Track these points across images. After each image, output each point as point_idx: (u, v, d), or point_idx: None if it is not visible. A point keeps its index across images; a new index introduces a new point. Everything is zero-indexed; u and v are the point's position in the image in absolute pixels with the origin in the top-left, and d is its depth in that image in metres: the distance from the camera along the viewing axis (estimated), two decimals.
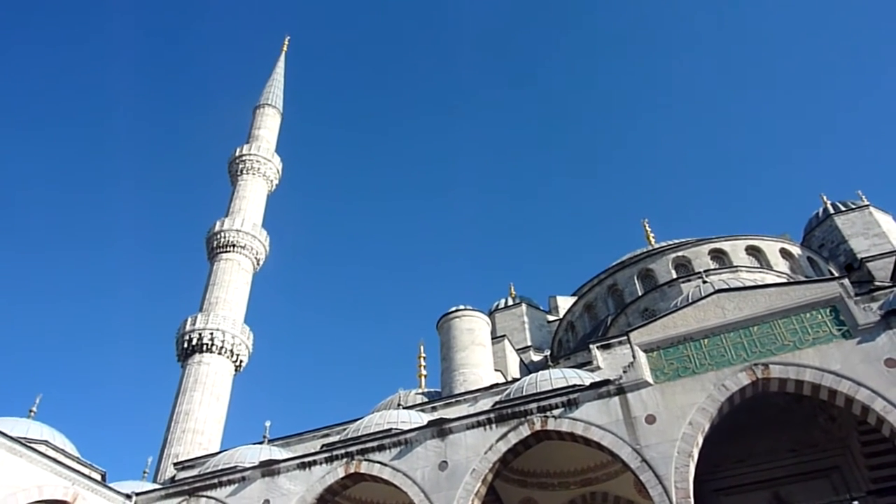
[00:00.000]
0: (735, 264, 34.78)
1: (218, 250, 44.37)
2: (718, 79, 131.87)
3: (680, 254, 36.94)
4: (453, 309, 34.69)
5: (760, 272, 33.36)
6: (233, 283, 42.65)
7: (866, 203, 42.20)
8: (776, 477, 20.17)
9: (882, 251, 37.83)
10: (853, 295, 18.11)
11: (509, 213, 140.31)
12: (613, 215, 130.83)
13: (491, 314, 46.33)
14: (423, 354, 39.75)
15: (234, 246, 44.20)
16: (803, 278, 32.84)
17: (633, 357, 18.95)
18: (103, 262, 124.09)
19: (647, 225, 52.47)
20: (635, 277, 37.71)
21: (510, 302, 49.83)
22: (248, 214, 47.07)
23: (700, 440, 17.07)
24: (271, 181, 51.80)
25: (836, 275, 29.27)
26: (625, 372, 18.74)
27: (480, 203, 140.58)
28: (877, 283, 30.28)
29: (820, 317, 17.80)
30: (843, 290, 18.06)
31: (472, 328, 33.77)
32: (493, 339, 36.98)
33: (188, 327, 39.30)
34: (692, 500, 16.19)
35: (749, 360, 17.61)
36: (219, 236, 44.65)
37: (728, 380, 17.50)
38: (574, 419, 18.29)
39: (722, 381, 17.53)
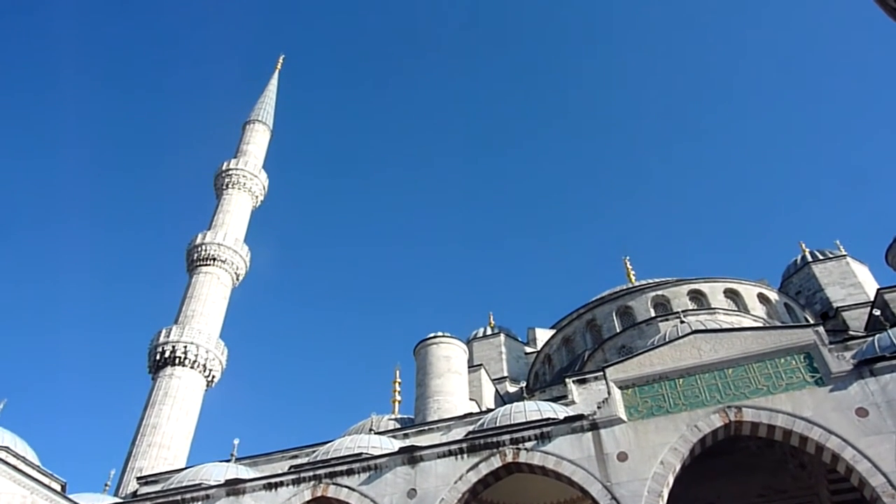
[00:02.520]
0: (713, 306, 35.09)
1: (198, 263, 43.93)
2: (705, 121, 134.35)
3: (659, 293, 37.21)
4: (431, 335, 34.52)
5: (738, 315, 33.66)
6: (210, 296, 42.17)
7: (844, 253, 42.91)
8: None
9: (857, 301, 38.37)
10: (827, 343, 18.31)
11: (493, 243, 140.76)
12: (596, 251, 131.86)
13: (469, 343, 46.18)
14: (399, 380, 39.44)
15: (214, 259, 43.79)
16: (779, 324, 33.17)
17: (609, 393, 18.94)
18: (78, 270, 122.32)
19: (628, 262, 52.93)
20: (614, 314, 37.89)
21: (489, 331, 49.76)
22: (230, 229, 46.75)
23: (671, 480, 17.03)
24: (256, 197, 51.62)
25: (812, 322, 29.59)
26: (599, 408, 18.71)
27: (466, 231, 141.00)
28: (851, 333, 30.65)
29: (794, 363, 17.96)
30: (818, 338, 18.25)
31: (449, 355, 33.59)
32: (469, 367, 36.79)
33: (161, 339, 38.69)
34: None
35: (722, 403, 17.67)
36: (199, 249, 44.25)
37: (701, 421, 17.54)
38: (546, 453, 18.18)
39: (695, 421, 17.56)
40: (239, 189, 50.14)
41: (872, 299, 35.96)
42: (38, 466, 22.66)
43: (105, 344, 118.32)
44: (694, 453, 17.52)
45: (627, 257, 53.36)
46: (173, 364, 37.72)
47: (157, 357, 38.19)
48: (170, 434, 34.72)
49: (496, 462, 18.53)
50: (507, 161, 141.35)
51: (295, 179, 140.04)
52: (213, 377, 39.52)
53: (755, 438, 18.38)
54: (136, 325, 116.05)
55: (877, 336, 19.78)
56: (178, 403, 36.27)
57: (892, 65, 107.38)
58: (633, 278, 49.43)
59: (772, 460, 20.71)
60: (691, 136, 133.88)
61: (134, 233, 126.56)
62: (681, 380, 18.54)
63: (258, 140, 55.94)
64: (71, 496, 22.01)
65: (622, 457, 17.43)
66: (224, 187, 50.17)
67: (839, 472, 16.79)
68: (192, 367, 37.92)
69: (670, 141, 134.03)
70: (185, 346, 38.14)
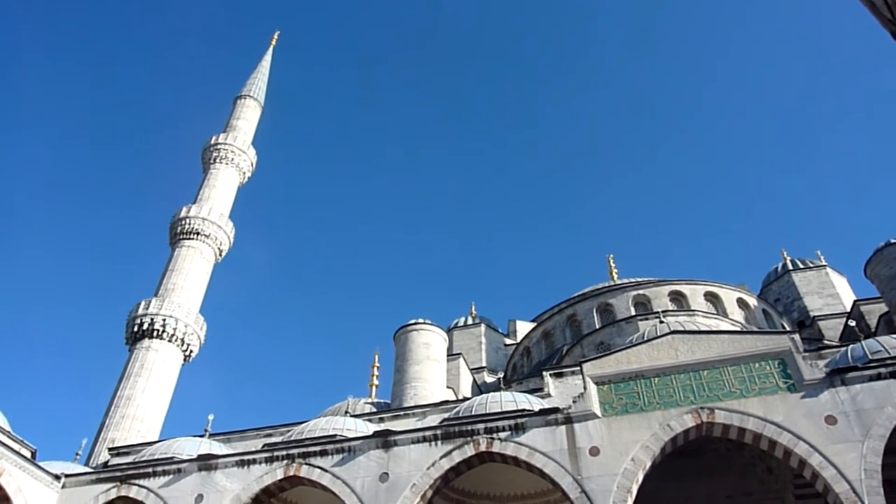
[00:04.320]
0: (693, 308, 35.43)
1: (181, 236, 43.56)
2: (693, 123, 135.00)
3: (640, 292, 37.50)
4: (412, 322, 34.57)
5: (716, 318, 34.01)
6: (192, 270, 41.87)
7: (824, 263, 43.47)
8: None
9: (834, 311, 38.93)
10: (802, 350, 18.58)
11: (479, 235, 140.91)
12: (580, 248, 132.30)
13: (449, 331, 46.27)
14: (378, 364, 39.48)
15: (197, 234, 43.44)
16: (756, 329, 33.58)
17: (585, 388, 19.11)
18: (60, 238, 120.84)
19: (611, 260, 53.25)
20: (595, 310, 38.15)
21: (470, 321, 49.93)
22: (216, 203, 46.36)
23: (640, 477, 17.25)
24: (244, 173, 51.20)
25: (789, 329, 29.99)
26: (574, 402, 18.88)
27: (452, 222, 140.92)
28: (826, 342, 31.13)
29: (768, 368, 18.21)
30: (793, 345, 18.51)
31: (429, 343, 33.68)
32: (448, 356, 36.91)
33: (140, 311, 38.39)
34: None
35: (696, 403, 17.91)
36: (183, 222, 43.86)
37: (674, 420, 17.76)
38: (519, 443, 18.34)
39: (668, 420, 17.78)
40: (226, 164, 49.69)
41: (849, 310, 36.51)
42: (8, 432, 22.47)
43: (82, 314, 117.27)
44: (665, 452, 17.75)
45: (611, 255, 53.72)
46: (151, 337, 37.47)
47: (135, 329, 37.90)
48: (144, 407, 34.53)
49: (469, 450, 18.66)
50: (496, 154, 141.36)
51: (283, 159, 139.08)
52: (191, 352, 39.31)
53: (725, 440, 18.65)
54: (116, 296, 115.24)
55: (851, 346, 20.08)
56: (154, 376, 36.06)
57: (885, 75, 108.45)
58: (615, 276, 49.77)
59: (741, 463, 21.02)
60: (679, 138, 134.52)
61: (117, 203, 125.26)
62: (656, 379, 18.74)
63: (248, 116, 55.42)
64: (41, 463, 21.86)
65: (594, 451, 17.62)
66: (211, 161, 49.70)
67: (805, 477, 17.09)
68: (169, 341, 37.69)
69: (659, 142, 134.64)
70: (164, 319, 37.88)
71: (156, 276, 42.54)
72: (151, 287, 41.72)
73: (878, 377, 17.27)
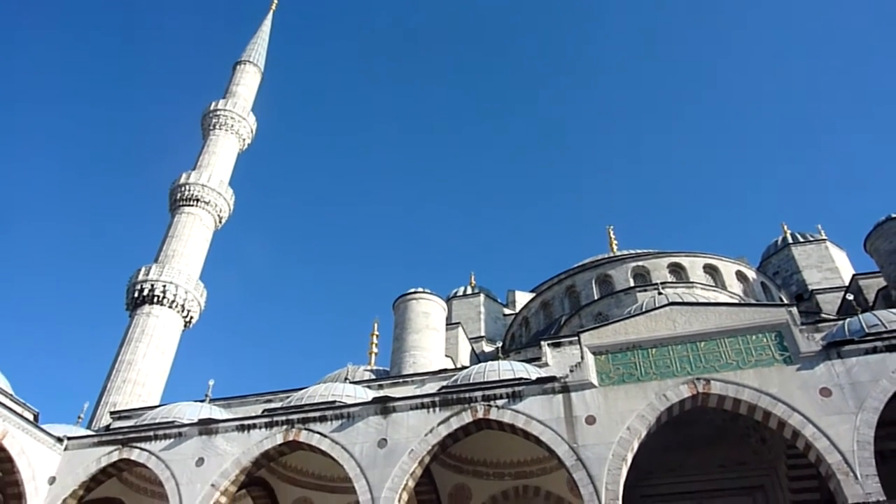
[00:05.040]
0: (692, 280, 35.51)
1: (181, 203, 43.48)
2: (698, 97, 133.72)
3: (640, 263, 37.56)
4: (411, 291, 34.70)
5: (715, 291, 34.11)
6: (192, 237, 41.88)
7: (824, 237, 43.45)
8: (703, 490, 20.76)
9: (832, 285, 39.03)
10: (799, 323, 18.66)
11: (480, 205, 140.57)
12: (580, 219, 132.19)
13: (448, 300, 46.48)
14: (377, 332, 39.76)
15: (197, 200, 43.35)
16: (754, 301, 33.70)
17: (582, 358, 19.24)
18: (61, 203, 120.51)
19: (611, 232, 53.20)
20: (593, 281, 38.25)
21: (469, 291, 50.08)
22: (215, 170, 46.17)
23: (636, 446, 17.46)
24: (244, 140, 50.88)
25: (786, 302, 30.09)
26: (571, 371, 19.03)
27: (453, 192, 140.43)
28: (823, 316, 31.28)
29: (765, 340, 18.32)
30: (791, 318, 18.59)
31: (428, 312, 33.85)
32: (447, 325, 37.14)
33: (140, 277, 38.51)
34: (620, 502, 16.58)
35: (692, 374, 18.05)
36: (183, 189, 43.74)
37: (670, 391, 17.92)
38: (516, 411, 18.53)
39: (664, 391, 17.94)
40: (226, 131, 49.36)
41: (847, 284, 36.61)
42: (10, 395, 22.68)
43: (83, 279, 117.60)
44: (661, 421, 17.94)
45: (611, 227, 53.66)
46: (151, 303, 37.64)
47: (136, 295, 38.06)
48: (145, 372, 34.84)
49: (467, 417, 18.86)
50: (499, 125, 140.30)
51: (283, 127, 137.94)
52: (192, 318, 39.54)
53: (720, 411, 18.84)
54: (116, 261, 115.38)
55: (848, 320, 20.16)
56: (155, 342, 36.32)
57: (885, 55, 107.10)
58: (615, 248, 49.79)
59: (735, 434, 21.26)
60: (683, 110, 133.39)
61: (117, 169, 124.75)
62: (653, 349, 18.86)
63: (248, 82, 54.88)
64: (44, 426, 22.11)
65: (590, 420, 17.81)
66: (211, 128, 49.36)
67: (798, 448, 17.30)
68: (170, 307, 37.88)
69: (662, 114, 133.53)
70: (164, 286, 38.02)
71: (156, 242, 42.60)
72: (151, 253, 41.81)
73: (874, 350, 17.37)
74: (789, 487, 20.33)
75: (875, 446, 16.03)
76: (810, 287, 39.74)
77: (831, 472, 15.84)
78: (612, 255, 44.56)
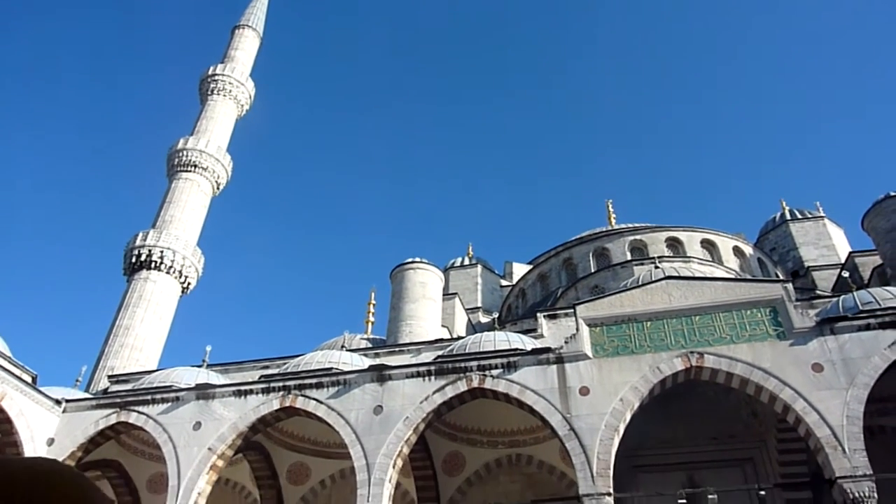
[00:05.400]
0: (689, 255, 35.57)
1: (178, 169, 43.23)
2: (697, 72, 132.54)
3: (637, 237, 37.60)
4: (409, 260, 34.75)
5: (711, 265, 34.21)
6: (189, 203, 41.74)
7: (822, 214, 43.41)
8: (694, 461, 21.07)
9: (828, 262, 39.12)
10: (794, 299, 18.77)
11: (480, 176, 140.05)
12: (580, 191, 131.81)
13: (446, 271, 46.55)
14: (374, 301, 39.95)
15: (195, 166, 43.11)
16: (750, 277, 33.81)
17: (577, 329, 19.37)
18: (57, 165, 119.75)
19: (610, 205, 53.08)
20: (591, 254, 38.30)
21: (466, 262, 50.13)
22: (213, 136, 45.82)
23: (628, 417, 17.67)
24: (242, 105, 50.39)
25: (782, 278, 30.18)
26: (566, 343, 19.17)
27: (453, 164, 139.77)
28: (818, 292, 31.42)
29: (759, 315, 18.44)
30: (786, 294, 18.70)
31: (425, 282, 33.94)
32: (444, 295, 37.27)
33: (138, 242, 38.47)
34: (611, 472, 16.84)
35: (686, 348, 18.20)
36: (181, 154, 43.46)
37: (664, 363, 18.08)
38: (511, 381, 18.70)
39: (658, 363, 18.11)
40: (224, 96, 48.87)
41: (843, 261, 36.70)
42: (9, 357, 22.83)
43: (81, 243, 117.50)
44: (653, 394, 18.14)
45: (610, 200, 53.50)
46: (149, 268, 37.66)
47: (133, 260, 38.06)
48: (142, 336, 35.01)
49: (462, 386, 19.04)
50: (498, 97, 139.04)
51: (282, 94, 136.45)
52: (189, 284, 39.60)
53: (713, 385, 19.04)
54: (114, 226, 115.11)
55: (842, 297, 20.27)
56: (152, 307, 36.42)
57: (884, 31, 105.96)
58: (613, 221, 49.74)
59: (727, 408, 21.50)
60: (683, 85, 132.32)
61: (114, 133, 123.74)
62: (648, 323, 18.99)
63: (247, 46, 54.17)
64: (42, 388, 22.28)
65: (584, 391, 18.00)
66: (209, 93, 48.86)
67: (788, 422, 17.54)
68: (167, 273, 37.91)
69: (663, 88, 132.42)
70: (162, 251, 38.00)
71: (154, 207, 42.46)
72: (149, 219, 41.71)
73: (867, 328, 17.51)
74: (778, 460, 20.65)
75: (864, 422, 16.27)
76: (806, 264, 39.84)
77: (820, 445, 16.08)
78: (610, 228, 44.56)
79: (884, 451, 18.68)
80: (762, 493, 18.10)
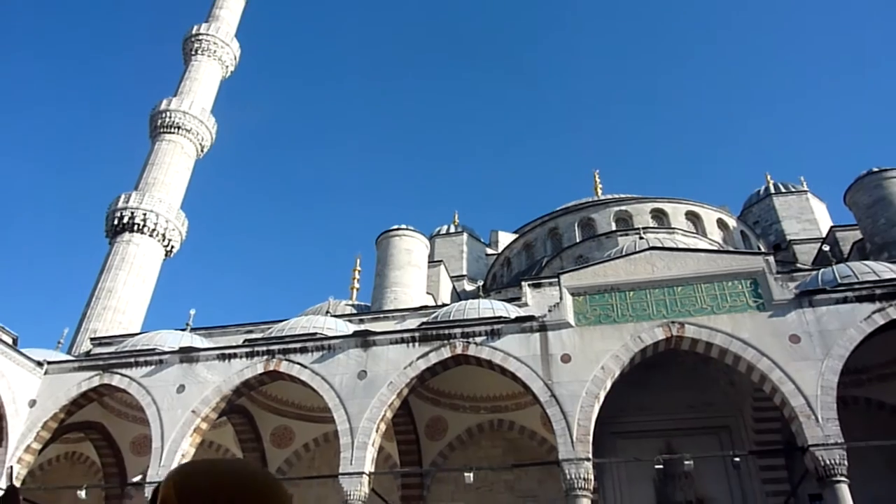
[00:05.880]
0: (673, 226, 35.79)
1: (161, 130, 42.51)
2: (687, 46, 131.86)
3: (623, 208, 37.74)
4: (394, 227, 34.69)
5: (695, 237, 34.46)
6: (173, 165, 41.17)
7: (805, 189, 43.71)
8: (671, 428, 21.48)
9: (810, 236, 39.52)
10: (775, 272, 19.01)
11: (467, 144, 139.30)
12: (567, 161, 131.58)
13: (431, 238, 46.53)
14: (359, 268, 39.96)
15: (178, 128, 42.41)
16: (732, 249, 34.13)
17: (561, 298, 19.53)
18: (36, 124, 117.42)
19: (597, 176, 53.13)
20: (576, 224, 38.43)
21: (452, 229, 50.10)
22: (197, 97, 45.01)
23: (609, 385, 17.95)
24: (226, 66, 49.45)
25: (764, 251, 30.51)
26: (550, 311, 19.34)
27: (441, 131, 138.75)
28: (798, 266, 31.84)
29: (740, 287, 18.67)
30: (767, 266, 18.93)
31: (411, 249, 33.95)
32: (429, 262, 37.32)
33: (120, 204, 37.97)
34: (591, 437, 17.17)
35: (668, 318, 18.44)
36: (164, 115, 42.70)
37: (645, 333, 18.32)
38: (494, 348, 18.88)
39: (639, 333, 18.34)
40: (208, 56, 47.90)
41: (824, 236, 37.14)
42: None
43: (62, 205, 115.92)
44: (634, 362, 18.41)
45: (597, 171, 53.54)
46: (132, 231, 37.26)
47: (116, 222, 37.62)
48: (125, 299, 34.79)
49: (446, 353, 19.20)
50: (488, 67, 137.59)
51: (267, 55, 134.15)
52: (172, 247, 39.28)
53: (693, 354, 19.35)
54: (97, 187, 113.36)
55: (822, 270, 20.56)
56: (135, 270, 36.14)
57: (869, 5, 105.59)
58: (600, 192, 49.86)
59: (705, 377, 21.87)
60: (672, 57, 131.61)
61: (96, 94, 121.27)
62: (631, 292, 19.17)
63: (232, 6, 52.95)
64: (23, 350, 22.17)
65: (566, 358, 18.23)
66: (193, 53, 47.85)
67: (764, 391, 17.91)
68: (150, 235, 37.55)
69: (652, 60, 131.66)
70: (145, 214, 37.57)
71: (137, 169, 41.87)
72: (132, 180, 41.14)
73: (845, 300, 17.81)
74: (753, 429, 21.12)
75: (838, 392, 16.64)
76: (788, 237, 40.23)
77: (794, 414, 16.45)
78: (596, 199, 44.65)
79: (856, 421, 19.17)
80: (737, 459, 18.55)
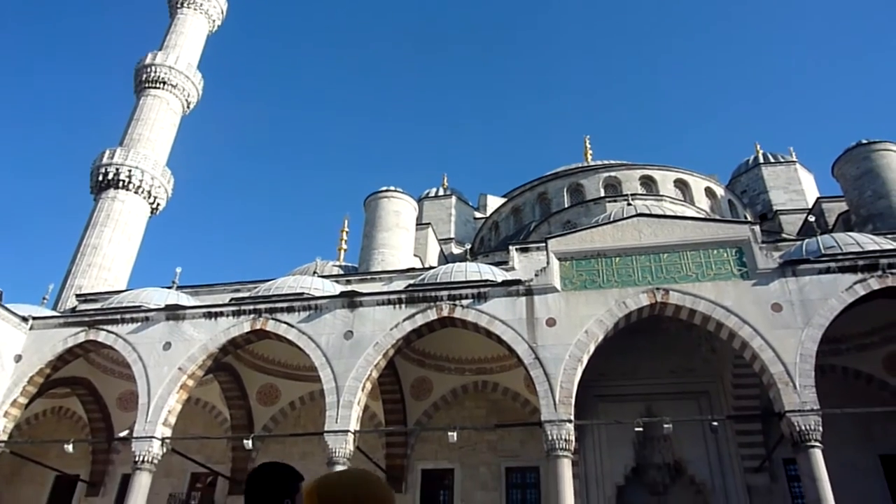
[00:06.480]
0: (662, 193, 35.88)
1: (146, 85, 41.66)
2: (681, 14, 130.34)
3: (612, 174, 37.72)
4: (383, 189, 34.56)
5: (683, 205, 34.59)
6: (158, 121, 40.47)
7: (794, 159, 43.86)
8: (652, 393, 21.86)
9: (797, 207, 39.82)
10: (760, 241, 19.18)
11: (457, 107, 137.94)
12: (558, 127, 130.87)
13: (420, 201, 46.37)
14: (347, 229, 39.81)
15: (164, 83, 41.58)
16: (719, 217, 34.32)
17: (547, 263, 19.63)
18: (20, 77, 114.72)
19: (587, 141, 52.88)
20: (565, 190, 38.42)
21: (441, 192, 49.94)
22: (183, 52, 44.05)
23: (592, 348, 18.19)
24: (213, 21, 48.33)
25: (750, 220, 30.72)
26: (536, 275, 19.45)
27: (430, 93, 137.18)
28: (784, 236, 32.12)
29: (725, 255, 18.84)
30: (752, 235, 19.09)
31: (399, 210, 33.88)
32: (417, 225, 37.30)
33: (105, 160, 37.38)
34: (573, 400, 17.46)
35: (653, 284, 18.62)
36: (149, 70, 41.79)
37: (629, 298, 18.51)
38: (480, 311, 19.03)
39: (624, 298, 18.53)
40: (195, 10, 46.75)
41: (811, 206, 37.41)
42: None
43: (46, 159, 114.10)
44: (618, 327, 18.63)
45: (588, 136, 53.27)
46: (116, 187, 36.78)
47: (100, 178, 37.09)
48: (111, 256, 34.53)
49: (432, 315, 19.33)
50: (478, 29, 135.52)
51: (255, 13, 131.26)
52: (158, 205, 38.88)
53: (676, 321, 19.59)
54: (81, 141, 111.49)
55: (806, 241, 20.75)
56: (121, 227, 35.79)
57: None
58: (590, 157, 49.71)
59: (688, 343, 22.20)
60: (665, 25, 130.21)
61: (78, 44, 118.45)
62: (617, 258, 19.30)
63: None
64: (8, 305, 22.06)
65: (551, 322, 18.41)
66: (178, 5, 46.65)
67: (745, 358, 18.22)
68: (136, 192, 37.10)
69: (646, 28, 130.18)
70: (130, 170, 37.04)
71: (122, 124, 41.16)
72: (117, 136, 40.47)
73: (828, 271, 18.04)
74: (732, 394, 21.55)
75: (816, 360, 16.97)
76: (775, 207, 40.48)
77: (773, 381, 16.79)
78: (585, 164, 44.56)
79: (832, 389, 19.61)
80: (715, 424, 18.95)
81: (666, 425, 17.95)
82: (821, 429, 16.19)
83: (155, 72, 41.65)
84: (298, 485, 2.65)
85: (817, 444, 16.07)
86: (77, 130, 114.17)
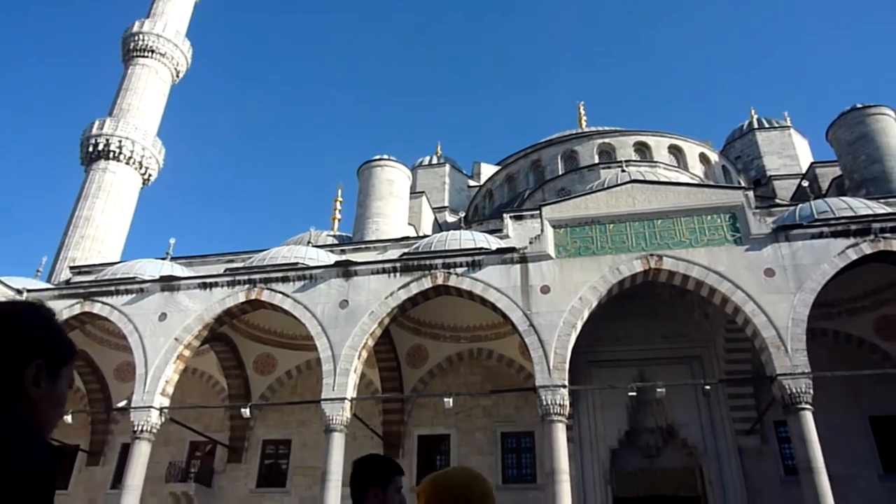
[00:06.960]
0: (656, 160, 35.78)
1: (134, 54, 40.97)
2: None
3: (606, 140, 37.55)
4: (376, 157, 34.33)
5: (677, 171, 34.53)
6: (147, 91, 39.93)
7: (788, 125, 43.68)
8: (645, 358, 22.10)
9: (790, 172, 39.79)
10: (753, 207, 19.22)
11: (450, 74, 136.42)
12: (552, 94, 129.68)
13: (414, 169, 46.12)
14: (341, 199, 39.69)
15: (152, 52, 40.89)
16: (713, 183, 34.31)
17: (542, 230, 19.65)
18: (5, 47, 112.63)
19: (581, 108, 52.47)
20: (559, 157, 38.25)
21: (434, 160, 49.68)
22: (171, 19, 43.27)
23: (586, 315, 18.32)
24: None
25: (744, 186, 30.72)
26: (531, 243, 19.49)
27: (424, 61, 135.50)
28: (777, 201, 32.15)
29: (719, 221, 18.89)
30: (746, 201, 19.11)
31: (392, 179, 33.72)
32: (411, 194, 37.15)
33: (94, 131, 36.94)
34: (567, 365, 17.64)
35: (646, 250, 18.68)
36: (136, 38, 41.07)
37: (623, 265, 18.59)
38: (475, 279, 19.09)
39: (617, 265, 18.61)
40: None
41: (804, 172, 37.38)
42: None
43: (36, 131, 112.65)
44: (612, 293, 18.74)
45: (582, 102, 52.84)
46: (107, 158, 36.42)
47: (90, 149, 36.71)
48: (103, 228, 34.36)
49: (427, 283, 19.39)
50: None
51: None
52: (150, 176, 38.57)
53: (670, 286, 19.71)
54: (71, 111, 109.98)
55: (799, 206, 20.80)
56: (112, 198, 35.54)
57: None
58: (584, 124, 49.40)
59: (681, 309, 22.36)
60: None
61: (65, 11, 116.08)
62: (611, 225, 19.33)
63: None
64: (2, 278, 22.01)
65: (545, 290, 18.50)
66: None
67: (737, 323, 18.39)
68: (127, 163, 36.76)
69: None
70: (120, 141, 36.67)
71: (110, 94, 40.61)
72: (106, 106, 39.96)
73: (820, 235, 18.12)
74: (724, 359, 21.80)
75: (808, 324, 17.15)
76: (769, 173, 40.45)
77: (765, 345, 16.98)
78: (579, 131, 44.28)
79: (823, 353, 19.89)
80: (707, 387, 19.21)
81: (659, 390, 18.18)
82: (811, 391, 16.43)
83: (143, 40, 40.95)
84: (395, 477, 2.86)
85: (808, 406, 16.33)
86: (65, 101, 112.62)
